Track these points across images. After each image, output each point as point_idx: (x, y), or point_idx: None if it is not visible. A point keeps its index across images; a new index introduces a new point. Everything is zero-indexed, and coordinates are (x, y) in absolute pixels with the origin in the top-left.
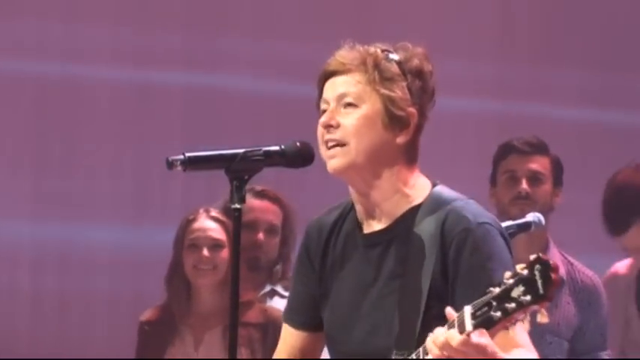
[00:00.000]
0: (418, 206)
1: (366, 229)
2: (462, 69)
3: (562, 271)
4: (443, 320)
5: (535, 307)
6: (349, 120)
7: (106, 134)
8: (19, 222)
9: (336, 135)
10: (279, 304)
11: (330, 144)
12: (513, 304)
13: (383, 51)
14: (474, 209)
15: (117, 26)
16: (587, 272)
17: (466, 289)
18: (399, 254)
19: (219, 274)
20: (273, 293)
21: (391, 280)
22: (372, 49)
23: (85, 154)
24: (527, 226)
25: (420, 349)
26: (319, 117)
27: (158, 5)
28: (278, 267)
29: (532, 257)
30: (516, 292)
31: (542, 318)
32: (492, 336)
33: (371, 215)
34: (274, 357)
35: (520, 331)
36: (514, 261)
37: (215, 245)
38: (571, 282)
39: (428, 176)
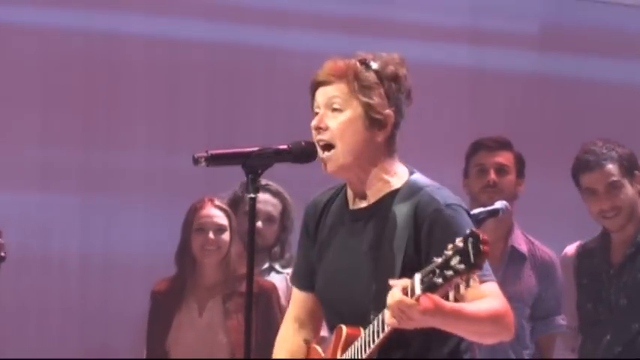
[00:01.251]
0: (396, 190)
1: (352, 206)
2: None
3: (525, 247)
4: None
5: (467, 274)
6: (335, 122)
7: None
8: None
9: (325, 136)
10: (275, 278)
11: (321, 144)
12: (451, 272)
13: (362, 62)
14: (444, 193)
15: None
16: (545, 250)
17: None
18: (376, 229)
19: (221, 253)
20: (270, 269)
21: (369, 251)
22: (352, 62)
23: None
24: (495, 211)
25: (384, 311)
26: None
27: None
28: (276, 249)
29: (467, 232)
30: (454, 262)
31: (474, 284)
32: (441, 296)
33: (359, 195)
34: (287, 315)
35: (477, 286)
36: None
37: (219, 229)
38: (532, 258)
39: (406, 164)
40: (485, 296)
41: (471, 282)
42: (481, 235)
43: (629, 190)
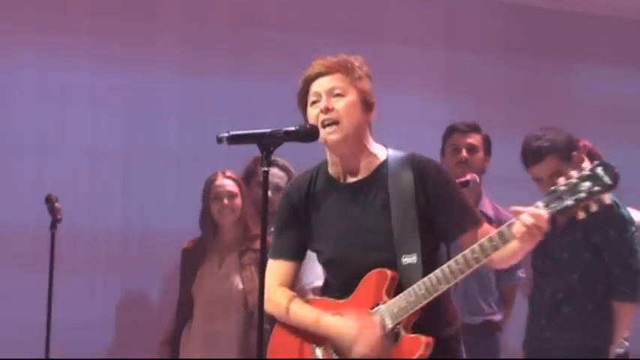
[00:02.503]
0: (384, 162)
1: (346, 181)
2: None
3: (492, 213)
4: (433, 233)
5: (604, 193)
6: (340, 104)
7: None
8: None
9: (332, 116)
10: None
11: (327, 122)
12: (583, 194)
13: (353, 61)
14: (425, 158)
15: None
16: (507, 214)
17: (451, 205)
18: (382, 194)
19: (236, 215)
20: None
21: (382, 211)
22: (344, 57)
23: None
24: (467, 183)
25: (502, 230)
26: (304, 115)
27: None
28: None
29: (595, 163)
30: (584, 186)
31: (593, 207)
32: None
33: (350, 171)
34: (269, 284)
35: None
36: None
37: (231, 196)
38: (497, 220)
39: (377, 140)
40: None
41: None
42: (612, 163)
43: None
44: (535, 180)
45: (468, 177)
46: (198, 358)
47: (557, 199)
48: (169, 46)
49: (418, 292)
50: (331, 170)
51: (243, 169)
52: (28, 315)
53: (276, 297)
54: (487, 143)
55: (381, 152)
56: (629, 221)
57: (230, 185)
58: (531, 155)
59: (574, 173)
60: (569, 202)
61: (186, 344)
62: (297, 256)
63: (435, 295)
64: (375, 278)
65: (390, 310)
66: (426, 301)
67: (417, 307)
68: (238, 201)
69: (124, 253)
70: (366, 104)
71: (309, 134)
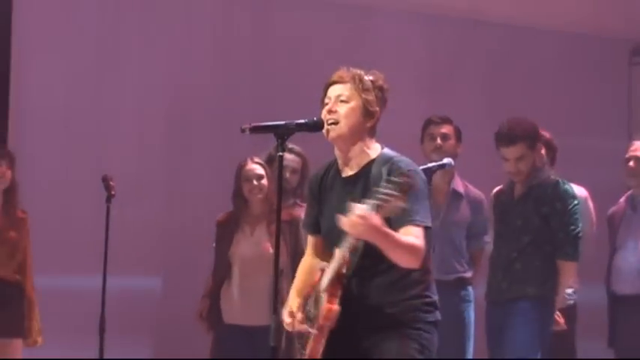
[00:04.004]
0: (373, 160)
1: (344, 174)
2: None
3: (462, 189)
4: (388, 222)
5: (398, 199)
6: (342, 109)
7: None
8: None
9: (334, 117)
10: (297, 209)
11: (330, 121)
12: (386, 193)
13: (365, 74)
14: (406, 161)
15: None
16: (476, 190)
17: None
18: (363, 187)
19: (263, 193)
20: (294, 204)
21: (359, 201)
22: (358, 72)
23: None
24: (443, 165)
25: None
26: (321, 108)
27: None
28: (299, 190)
29: (404, 172)
30: (390, 186)
31: (407, 227)
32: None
33: (347, 165)
34: (307, 251)
35: (415, 231)
36: (434, 185)
37: (259, 177)
38: (467, 196)
39: (379, 142)
40: (411, 235)
41: (399, 200)
42: (410, 178)
43: (530, 159)
44: (503, 159)
45: (445, 160)
46: (236, 310)
47: (375, 193)
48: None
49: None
50: (339, 163)
51: (266, 155)
52: (85, 282)
53: (300, 266)
54: (458, 132)
55: (374, 152)
56: (572, 195)
57: (258, 169)
58: (505, 138)
59: (388, 183)
60: (379, 195)
61: (225, 298)
62: (318, 229)
63: (336, 269)
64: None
65: (324, 277)
66: (333, 274)
67: (331, 277)
68: (265, 182)
69: (167, 226)
70: (367, 112)
71: (315, 126)
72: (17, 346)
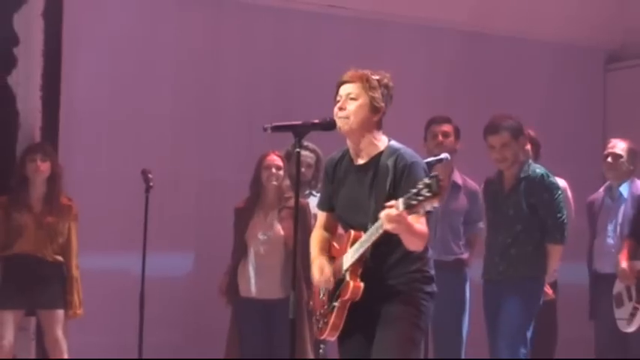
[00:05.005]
0: (381, 152)
1: (356, 163)
2: None
3: (460, 181)
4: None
5: (433, 199)
6: (351, 106)
7: None
8: None
9: (344, 113)
10: (312, 199)
11: (341, 117)
12: (422, 197)
13: (372, 74)
14: (410, 153)
15: None
16: (472, 182)
17: (406, 191)
18: (372, 176)
19: (279, 182)
20: (310, 194)
21: (368, 189)
22: (365, 72)
23: None
24: (441, 160)
25: (378, 221)
26: (334, 105)
27: None
28: (312, 182)
29: (434, 174)
30: (424, 192)
31: (419, 216)
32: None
33: (358, 155)
34: (317, 225)
35: (422, 220)
36: None
37: (278, 167)
38: (464, 187)
39: (386, 135)
40: (418, 223)
41: (433, 204)
42: (440, 176)
43: (514, 147)
44: (489, 147)
45: (442, 155)
46: (252, 283)
47: (408, 199)
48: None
49: (356, 249)
50: (351, 152)
51: (284, 151)
52: (127, 261)
53: (312, 237)
54: (457, 131)
55: (382, 144)
56: (557, 187)
57: (277, 160)
58: (491, 127)
59: (422, 182)
60: (413, 202)
61: (242, 275)
62: (331, 207)
63: (362, 252)
64: (347, 236)
65: (346, 258)
66: (358, 256)
67: (355, 259)
68: (281, 173)
69: (198, 213)
70: (374, 108)
71: (328, 125)
72: (59, 317)
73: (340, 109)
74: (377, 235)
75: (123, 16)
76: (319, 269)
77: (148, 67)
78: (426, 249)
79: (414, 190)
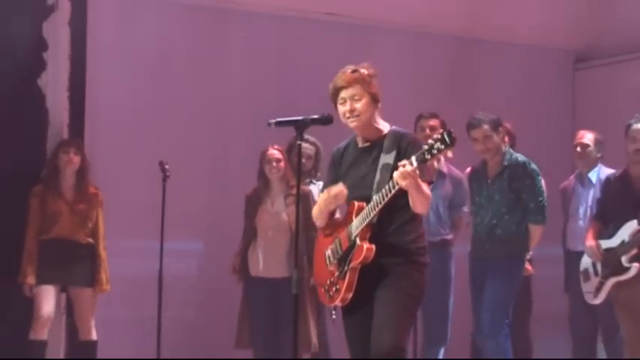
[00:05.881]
0: (385, 135)
1: (361, 145)
2: None
3: (446, 170)
4: None
5: (447, 150)
6: (358, 106)
7: None
8: None
9: (355, 113)
10: (312, 187)
11: (352, 116)
12: (435, 150)
13: (363, 72)
14: (411, 134)
15: None
16: (456, 170)
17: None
18: (376, 154)
19: (281, 173)
20: (310, 182)
21: (372, 164)
22: (360, 72)
23: None
24: None
25: (390, 182)
26: (335, 108)
27: None
28: (313, 172)
29: (442, 130)
30: (437, 145)
31: (441, 159)
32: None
33: (364, 139)
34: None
35: (425, 186)
36: (427, 169)
37: (277, 160)
38: (449, 175)
39: (388, 121)
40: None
41: (447, 154)
42: (452, 131)
43: (495, 139)
44: (473, 140)
45: None
46: (261, 263)
47: (421, 154)
48: (241, 54)
49: (364, 215)
50: (357, 139)
51: (287, 144)
52: (146, 244)
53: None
54: (443, 125)
55: (384, 128)
56: (537, 173)
57: (277, 154)
58: (472, 122)
59: (433, 138)
60: (428, 156)
61: (252, 255)
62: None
63: (371, 216)
64: (351, 207)
65: (354, 225)
66: (367, 221)
67: (364, 224)
68: (282, 164)
69: (210, 200)
70: (375, 100)
71: (326, 120)
72: (89, 293)
73: (351, 111)
74: (389, 196)
75: (141, 23)
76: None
77: (164, 69)
78: (420, 224)
79: (426, 147)
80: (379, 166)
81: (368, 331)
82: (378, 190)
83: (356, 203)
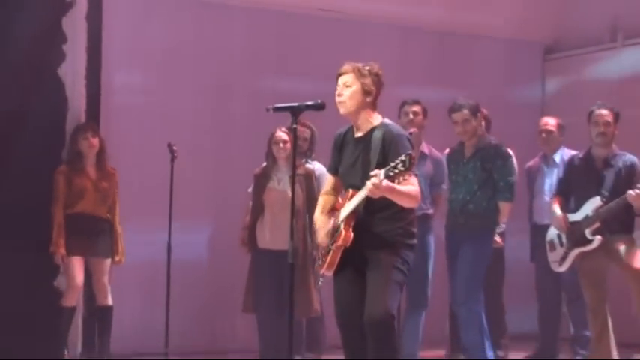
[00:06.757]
0: (375, 127)
1: (356, 136)
2: None
3: (427, 151)
4: None
5: (406, 173)
6: (347, 92)
7: None
8: None
9: (342, 98)
10: (308, 166)
11: (339, 101)
12: (397, 171)
13: (363, 66)
14: (397, 128)
15: None
16: (436, 152)
17: (394, 156)
18: (367, 146)
19: (287, 153)
20: (305, 162)
21: (362, 156)
22: (357, 64)
23: None
24: (412, 134)
25: (367, 184)
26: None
27: None
28: (308, 152)
29: (406, 152)
30: (399, 166)
31: (407, 177)
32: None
33: (358, 130)
34: (325, 186)
35: (412, 180)
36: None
37: (284, 142)
38: (430, 156)
39: (380, 114)
40: (410, 184)
41: (405, 177)
42: (413, 154)
43: (473, 123)
44: (453, 123)
45: (411, 130)
46: (268, 238)
47: (388, 170)
48: (244, 48)
49: (350, 204)
50: (353, 127)
51: (286, 128)
52: (156, 220)
53: (319, 200)
54: (425, 110)
55: (376, 120)
56: (508, 155)
57: (283, 136)
58: (454, 107)
59: (397, 160)
60: (391, 174)
61: (260, 229)
62: (337, 172)
63: (354, 207)
64: (347, 194)
65: (343, 211)
66: (352, 210)
67: (349, 213)
68: (288, 145)
69: (216, 179)
70: (366, 92)
71: (319, 106)
72: (107, 264)
73: (339, 95)
74: (363, 196)
75: (151, 18)
76: (318, 229)
77: (172, 60)
78: (411, 211)
79: (393, 165)
80: (366, 159)
81: (355, 293)
82: (364, 180)
83: (350, 191)
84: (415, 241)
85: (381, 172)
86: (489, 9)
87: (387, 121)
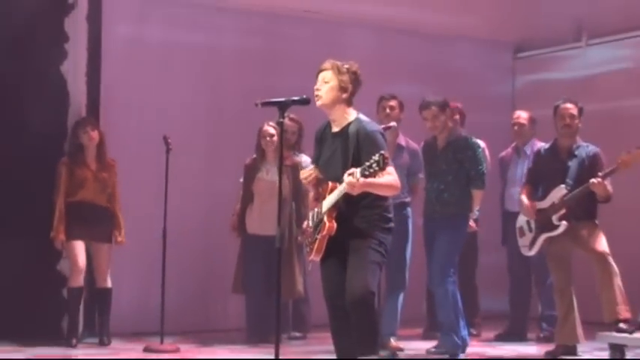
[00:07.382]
0: (350, 122)
1: (333, 130)
2: None
3: (404, 143)
4: (355, 167)
5: (380, 172)
6: (324, 87)
7: None
8: None
9: (319, 93)
10: (296, 158)
11: (317, 95)
12: (372, 170)
13: (342, 64)
14: (371, 123)
15: None
16: (413, 143)
17: (367, 156)
18: (343, 141)
19: (274, 146)
20: (293, 154)
21: (339, 151)
22: (337, 62)
23: None
24: (389, 127)
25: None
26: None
27: None
28: (295, 145)
29: (381, 150)
30: (374, 166)
31: (384, 171)
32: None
33: (334, 125)
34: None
35: (389, 169)
36: (388, 143)
37: (271, 135)
38: (407, 148)
39: (355, 110)
40: (388, 174)
41: (380, 174)
42: (385, 154)
43: (442, 118)
44: (424, 119)
45: (390, 124)
46: (256, 224)
47: (364, 169)
48: (234, 50)
49: (331, 197)
50: (331, 122)
51: (274, 122)
52: (152, 207)
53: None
54: (401, 105)
55: (351, 116)
56: (478, 146)
57: (271, 130)
58: (423, 105)
59: (372, 159)
60: (366, 172)
61: (249, 216)
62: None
63: (335, 200)
64: (326, 186)
65: (325, 203)
66: (333, 203)
67: (331, 205)
68: (275, 138)
69: (208, 168)
70: (342, 88)
71: (304, 101)
72: (107, 248)
73: (317, 89)
74: (342, 192)
75: (149, 19)
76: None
77: (167, 58)
78: (386, 199)
79: (368, 164)
80: (342, 153)
81: (340, 276)
82: (342, 173)
83: (330, 183)
84: (392, 224)
85: (357, 171)
86: (464, 11)
87: (362, 116)
